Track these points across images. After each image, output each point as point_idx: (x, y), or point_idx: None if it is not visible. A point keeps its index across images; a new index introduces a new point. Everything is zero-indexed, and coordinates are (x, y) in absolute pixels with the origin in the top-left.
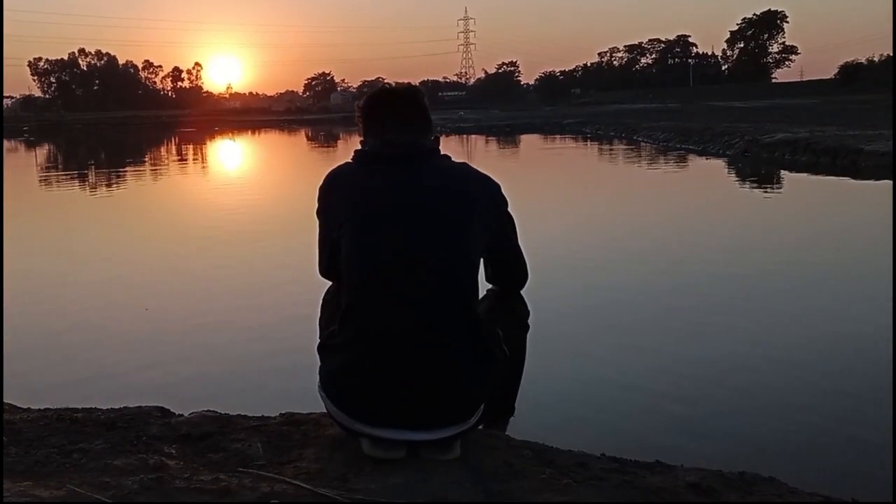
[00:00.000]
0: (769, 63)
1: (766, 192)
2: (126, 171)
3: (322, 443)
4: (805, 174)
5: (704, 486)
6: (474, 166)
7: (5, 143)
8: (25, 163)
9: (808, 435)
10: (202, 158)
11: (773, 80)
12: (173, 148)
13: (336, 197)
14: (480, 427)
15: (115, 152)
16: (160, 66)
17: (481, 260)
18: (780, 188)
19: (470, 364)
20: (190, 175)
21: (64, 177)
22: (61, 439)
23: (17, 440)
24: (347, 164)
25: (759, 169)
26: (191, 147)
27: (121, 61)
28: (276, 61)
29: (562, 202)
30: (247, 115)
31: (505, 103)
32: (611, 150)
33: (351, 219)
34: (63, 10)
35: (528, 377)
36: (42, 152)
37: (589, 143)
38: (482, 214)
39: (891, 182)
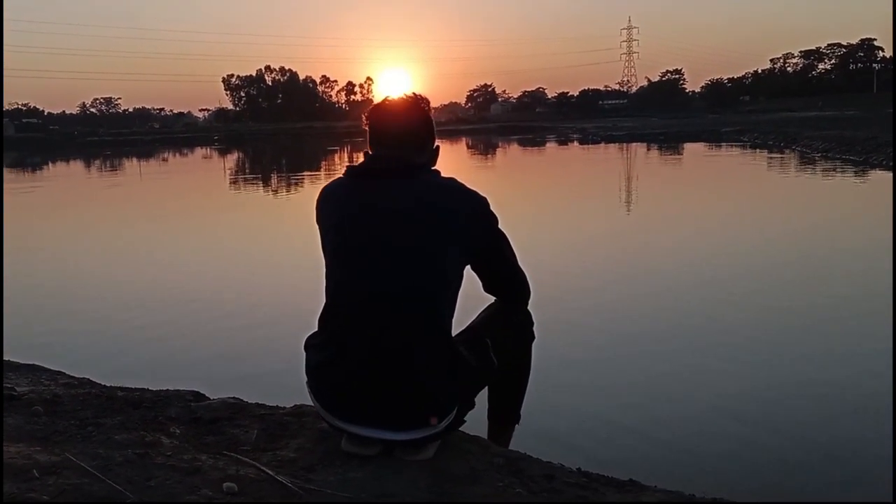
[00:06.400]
0: None
1: None
2: (302, 176)
3: (311, 435)
4: None
5: None
6: (461, 181)
7: (200, 151)
8: (217, 166)
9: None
10: None
11: None
12: (345, 156)
13: (324, 210)
14: (495, 428)
15: (293, 160)
16: (335, 81)
17: (462, 271)
18: None
19: (435, 370)
20: None
21: (249, 179)
22: (89, 413)
23: (53, 411)
24: (339, 178)
25: None
26: (361, 156)
27: (301, 76)
28: (441, 74)
29: (665, 210)
30: None
31: (667, 111)
32: (759, 159)
33: (331, 229)
34: (254, 31)
35: (566, 388)
36: (231, 158)
37: (741, 151)
38: (461, 229)
39: None
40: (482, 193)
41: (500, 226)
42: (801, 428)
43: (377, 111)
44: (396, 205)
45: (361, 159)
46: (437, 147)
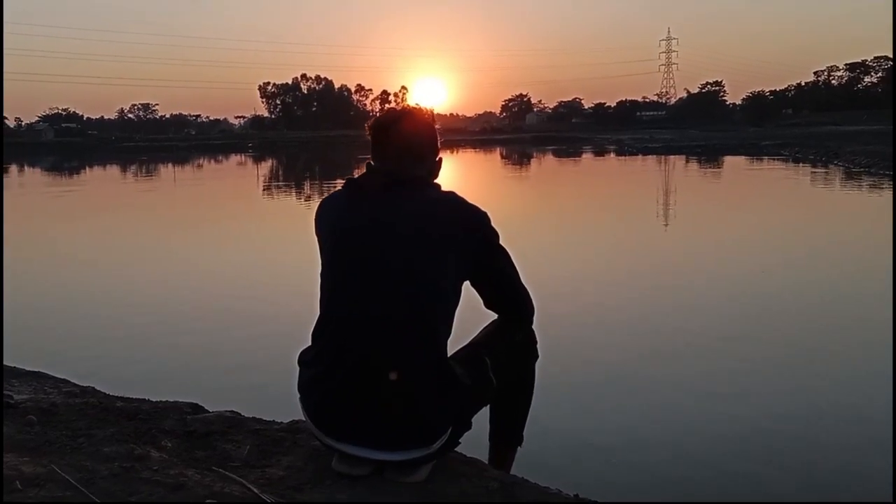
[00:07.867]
0: None
1: None
2: (332, 184)
3: (303, 453)
4: None
5: None
6: (461, 196)
7: (235, 157)
8: (249, 173)
9: None
10: None
11: None
12: None
13: (321, 223)
14: (493, 448)
15: (324, 168)
16: (370, 90)
17: (459, 288)
18: None
19: (428, 390)
20: None
21: (278, 187)
22: (82, 424)
23: (48, 420)
24: (338, 191)
25: None
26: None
27: (336, 85)
28: (476, 84)
29: (700, 228)
30: (444, 135)
31: (707, 124)
32: (799, 174)
33: (327, 242)
34: (290, 40)
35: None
36: (264, 165)
37: (781, 166)
38: (458, 244)
39: None
40: (482, 208)
41: (501, 241)
42: (811, 460)
43: (378, 123)
44: (392, 219)
45: (363, 171)
46: (440, 160)
